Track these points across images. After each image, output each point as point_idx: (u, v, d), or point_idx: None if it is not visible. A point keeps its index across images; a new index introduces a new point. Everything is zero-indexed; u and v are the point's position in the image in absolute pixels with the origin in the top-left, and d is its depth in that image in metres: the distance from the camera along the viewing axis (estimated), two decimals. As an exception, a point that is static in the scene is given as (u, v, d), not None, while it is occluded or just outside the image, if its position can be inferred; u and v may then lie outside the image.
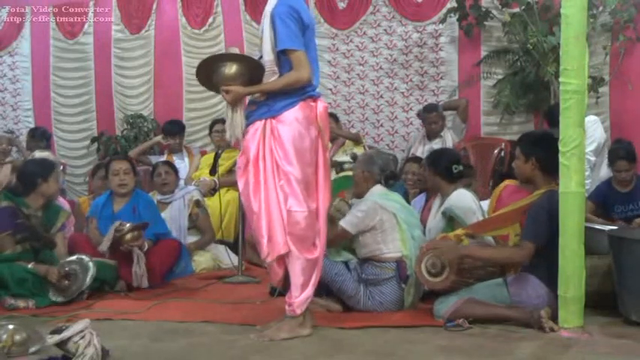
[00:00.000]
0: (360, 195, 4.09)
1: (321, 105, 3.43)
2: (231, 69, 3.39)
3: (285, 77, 3.35)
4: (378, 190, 4.05)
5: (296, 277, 3.35)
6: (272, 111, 3.35)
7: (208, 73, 3.46)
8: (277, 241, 3.32)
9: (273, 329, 3.41)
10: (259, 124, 3.37)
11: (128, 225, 4.63)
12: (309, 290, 3.38)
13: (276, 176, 3.33)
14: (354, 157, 5.52)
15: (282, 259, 3.39)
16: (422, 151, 6.32)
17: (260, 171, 3.35)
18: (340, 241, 3.99)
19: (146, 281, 4.61)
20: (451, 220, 4.32)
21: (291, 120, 3.32)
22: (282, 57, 3.34)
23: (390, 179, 4.15)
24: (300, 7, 3.35)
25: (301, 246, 3.35)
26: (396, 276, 3.87)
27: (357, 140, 6.56)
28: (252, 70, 3.43)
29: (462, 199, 4.34)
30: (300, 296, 3.35)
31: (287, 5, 3.31)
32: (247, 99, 3.49)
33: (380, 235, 3.90)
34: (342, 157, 6.39)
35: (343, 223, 3.94)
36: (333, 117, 6.76)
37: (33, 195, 4.49)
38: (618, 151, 5.08)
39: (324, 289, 3.89)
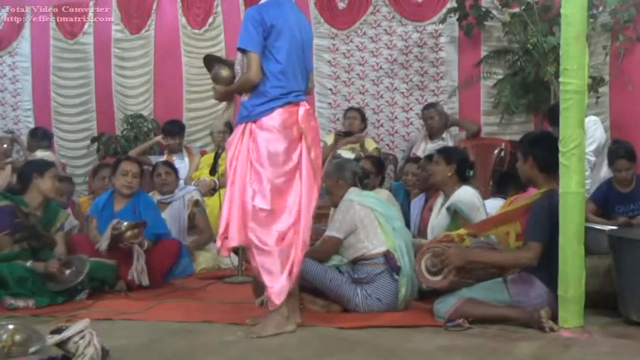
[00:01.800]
0: (336, 203, 4.14)
1: (302, 109, 3.56)
2: (225, 72, 3.75)
3: (238, 79, 3.61)
4: (352, 191, 4.09)
5: (264, 268, 3.42)
6: (251, 116, 3.51)
7: (211, 66, 3.85)
8: (232, 236, 3.44)
9: (260, 325, 3.46)
10: (240, 127, 3.54)
11: (125, 223, 4.62)
12: (284, 279, 3.41)
13: (249, 173, 3.46)
14: None
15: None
16: (423, 150, 6.34)
17: (231, 170, 3.50)
18: (333, 251, 4.01)
19: (146, 279, 4.60)
20: (455, 216, 4.38)
21: (268, 126, 3.47)
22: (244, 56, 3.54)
23: (364, 179, 4.23)
24: (265, 10, 3.50)
25: (264, 237, 3.42)
26: (387, 269, 3.88)
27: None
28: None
29: (466, 194, 4.44)
30: (274, 286, 3.40)
31: (253, 9, 3.55)
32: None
33: (362, 232, 3.92)
34: (347, 154, 6.39)
35: (329, 232, 3.98)
36: (360, 112, 6.83)
37: (30, 192, 4.51)
38: (618, 150, 5.07)
39: (310, 293, 3.94)
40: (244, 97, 3.58)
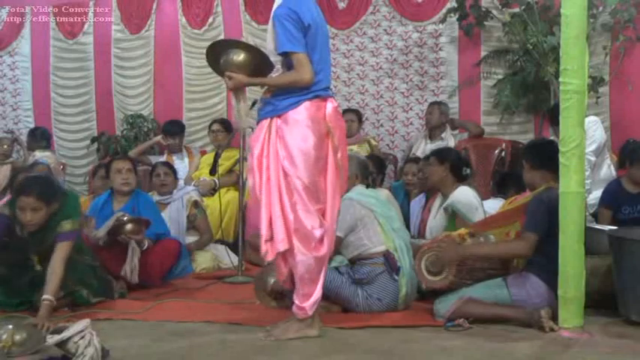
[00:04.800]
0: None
1: (330, 105, 3.42)
2: (239, 57, 3.45)
3: (286, 75, 3.39)
4: (354, 189, 4.10)
5: (303, 277, 3.32)
6: (277, 110, 3.36)
7: (217, 55, 3.52)
8: (277, 239, 3.31)
9: (281, 329, 3.40)
10: (265, 122, 3.39)
11: (128, 217, 4.60)
12: (319, 291, 3.35)
13: (281, 174, 3.32)
14: None
15: (286, 258, 3.37)
16: (422, 150, 6.34)
17: (263, 169, 3.35)
18: (335, 250, 3.99)
19: (136, 277, 4.54)
20: (453, 216, 4.39)
21: (295, 120, 3.32)
22: (287, 59, 3.37)
23: (365, 179, 4.24)
24: (299, 9, 3.32)
25: (307, 244, 3.31)
26: (387, 269, 3.88)
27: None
28: (259, 63, 3.48)
29: (464, 194, 4.46)
30: (311, 297, 3.33)
31: (286, 7, 3.33)
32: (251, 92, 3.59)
33: (362, 231, 3.92)
34: None
35: None
36: (356, 113, 6.83)
37: None
38: None
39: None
40: (266, 95, 3.44)
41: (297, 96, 3.33)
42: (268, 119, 3.38)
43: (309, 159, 3.31)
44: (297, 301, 3.37)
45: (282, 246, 3.31)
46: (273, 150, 3.34)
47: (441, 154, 4.66)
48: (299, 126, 3.31)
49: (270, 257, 3.37)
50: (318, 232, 3.33)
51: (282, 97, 3.35)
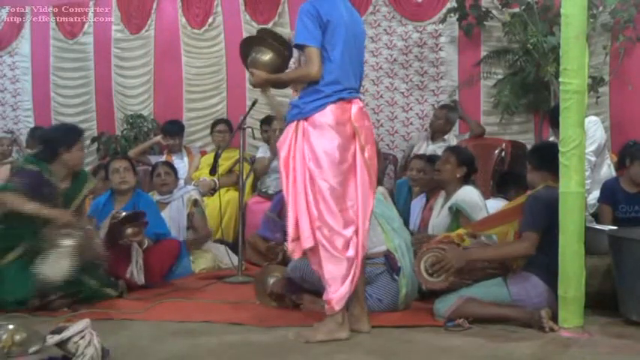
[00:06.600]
0: None
1: (355, 106, 3.47)
2: (265, 56, 3.63)
3: (296, 70, 3.54)
4: None
5: (330, 275, 3.33)
6: (303, 113, 3.43)
7: (249, 49, 3.71)
8: (303, 236, 3.35)
9: (311, 330, 3.40)
10: (292, 125, 3.45)
11: (124, 213, 4.61)
12: (346, 286, 3.34)
13: (307, 175, 3.38)
14: None
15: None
16: (424, 151, 6.32)
17: (290, 170, 3.41)
18: None
19: (142, 278, 4.57)
20: (457, 215, 4.40)
21: (320, 123, 3.38)
22: (303, 54, 3.46)
23: None
24: (320, 5, 3.42)
25: (334, 241, 3.34)
26: (388, 269, 3.88)
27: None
28: (284, 65, 3.66)
29: (469, 194, 4.49)
30: (337, 293, 3.33)
31: (308, 4, 3.44)
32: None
33: None
34: None
35: None
36: None
37: (56, 165, 4.29)
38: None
39: (310, 293, 3.92)
40: (294, 97, 3.52)
41: (322, 99, 3.40)
42: (295, 122, 3.44)
43: (334, 160, 3.36)
44: (324, 296, 3.38)
45: (308, 243, 3.35)
46: (300, 152, 3.40)
47: (461, 156, 4.66)
48: (325, 128, 3.38)
49: (296, 255, 3.43)
50: (343, 234, 3.36)
51: (308, 100, 3.42)
